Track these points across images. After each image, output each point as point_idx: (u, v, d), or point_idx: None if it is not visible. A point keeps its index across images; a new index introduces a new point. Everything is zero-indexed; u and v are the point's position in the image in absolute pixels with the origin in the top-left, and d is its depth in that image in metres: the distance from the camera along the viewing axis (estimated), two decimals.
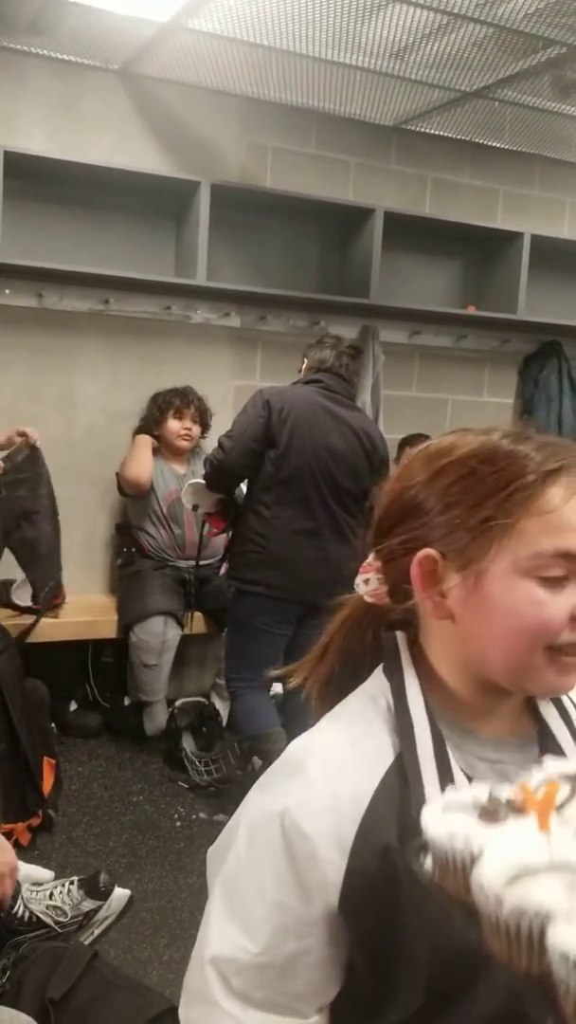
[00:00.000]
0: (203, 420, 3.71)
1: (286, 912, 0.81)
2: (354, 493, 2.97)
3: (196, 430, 3.69)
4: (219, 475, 2.99)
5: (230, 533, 3.16)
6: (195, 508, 3.20)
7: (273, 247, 3.97)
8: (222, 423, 3.77)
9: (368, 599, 0.91)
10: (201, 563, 3.62)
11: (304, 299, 3.90)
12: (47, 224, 3.55)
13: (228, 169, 3.79)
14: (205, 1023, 0.85)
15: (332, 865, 0.79)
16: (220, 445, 2.97)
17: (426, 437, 3.66)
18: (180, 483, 3.57)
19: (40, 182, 3.48)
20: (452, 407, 4.47)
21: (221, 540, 3.76)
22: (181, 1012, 0.90)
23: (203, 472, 3.17)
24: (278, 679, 0.96)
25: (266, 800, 0.86)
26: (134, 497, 3.66)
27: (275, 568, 2.91)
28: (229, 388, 3.95)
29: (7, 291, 3.53)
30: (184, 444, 3.67)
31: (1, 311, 3.54)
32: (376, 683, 0.87)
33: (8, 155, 3.25)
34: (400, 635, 0.89)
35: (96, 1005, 1.62)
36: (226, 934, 0.84)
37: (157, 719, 3.53)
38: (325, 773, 0.82)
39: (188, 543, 3.62)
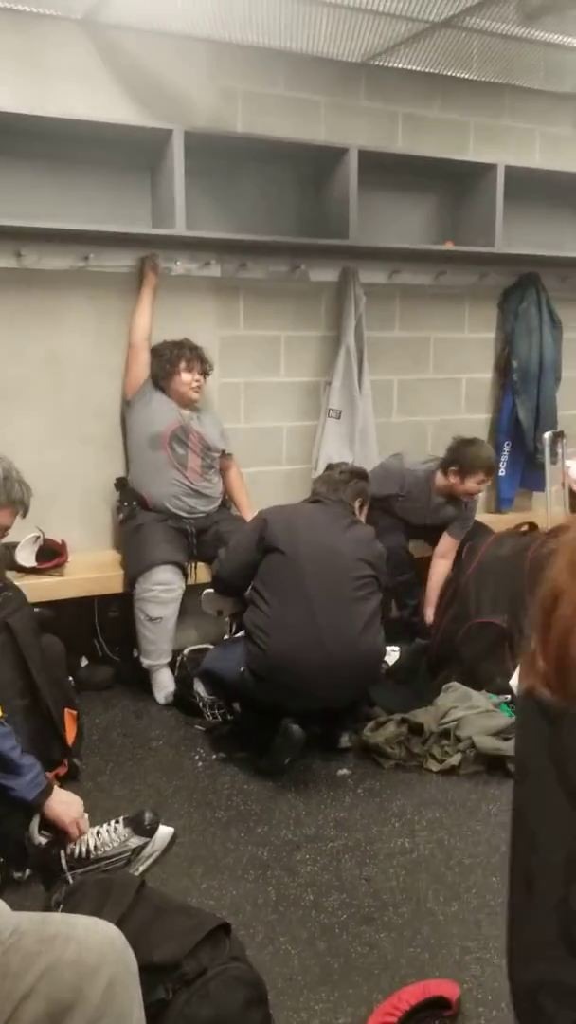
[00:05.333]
0: (206, 371, 3.76)
1: None
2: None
3: (203, 381, 3.75)
4: (221, 586, 3.31)
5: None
6: (220, 614, 3.50)
7: (249, 193, 3.95)
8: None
9: None
10: (199, 513, 3.71)
11: (283, 243, 3.90)
12: (21, 182, 3.52)
13: (200, 115, 3.76)
14: None
15: None
16: (219, 558, 3.28)
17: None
18: (181, 419, 3.71)
19: (11, 139, 3.44)
20: (435, 345, 4.51)
21: (219, 487, 3.85)
22: None
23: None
24: None
25: None
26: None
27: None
28: (214, 338, 3.95)
29: None
30: (195, 396, 3.73)
31: None
32: None
33: None
34: None
35: (151, 927, 1.70)
36: None
37: (165, 686, 3.58)
38: None
39: (189, 468, 3.71)
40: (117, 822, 2.26)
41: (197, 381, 3.71)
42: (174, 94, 3.72)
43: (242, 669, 2.98)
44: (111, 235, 3.59)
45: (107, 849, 2.19)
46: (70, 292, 3.70)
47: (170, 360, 3.68)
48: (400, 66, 4.07)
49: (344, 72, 4.02)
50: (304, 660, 2.86)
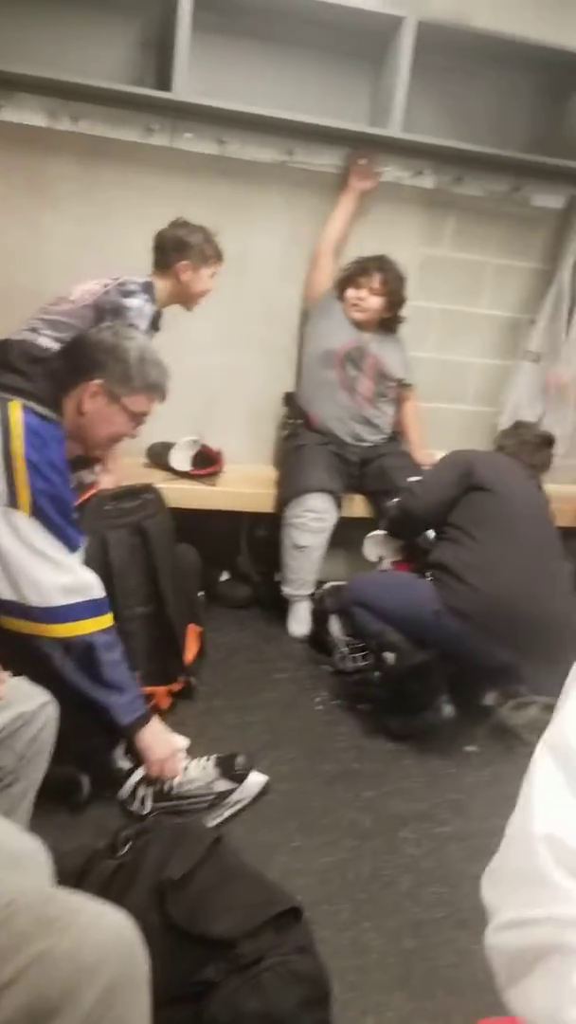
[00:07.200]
0: (390, 294, 3.40)
1: None
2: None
3: (374, 302, 3.40)
4: (406, 521, 3.00)
5: None
6: (380, 560, 3.18)
7: (478, 99, 3.53)
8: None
9: None
10: (365, 442, 3.47)
11: (509, 159, 3.47)
12: (235, 62, 3.27)
13: (437, 5, 3.36)
14: (534, 904, 0.73)
15: None
16: (410, 490, 2.97)
17: None
18: (358, 340, 3.43)
19: (232, 15, 3.18)
20: None
21: (390, 418, 3.57)
22: (487, 894, 0.79)
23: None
24: None
25: None
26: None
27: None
28: (415, 255, 3.62)
29: (188, 135, 3.31)
30: (357, 316, 3.41)
31: (183, 157, 3.34)
32: None
33: None
34: None
35: (215, 893, 1.54)
36: (564, 807, 0.75)
37: (302, 619, 3.41)
38: None
39: (359, 393, 3.45)
40: (208, 760, 2.11)
41: (360, 299, 3.38)
42: None
43: (436, 608, 2.73)
44: (320, 129, 3.30)
45: (191, 787, 2.05)
46: (266, 188, 3.45)
47: (347, 275, 3.41)
48: None
49: None
50: (524, 604, 2.64)
